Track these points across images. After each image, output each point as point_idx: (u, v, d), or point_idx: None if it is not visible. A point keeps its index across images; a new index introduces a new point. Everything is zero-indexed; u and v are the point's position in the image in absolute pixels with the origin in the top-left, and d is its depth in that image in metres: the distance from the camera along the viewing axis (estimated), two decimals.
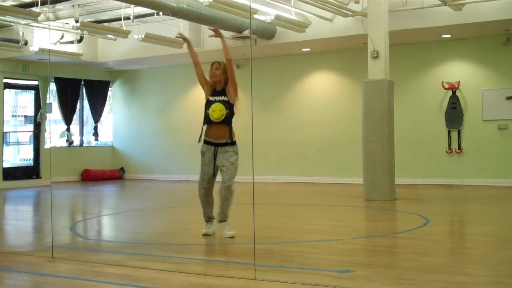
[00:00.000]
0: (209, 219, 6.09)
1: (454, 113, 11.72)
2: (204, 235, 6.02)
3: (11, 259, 5.15)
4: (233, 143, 5.88)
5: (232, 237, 5.80)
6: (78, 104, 15.26)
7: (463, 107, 11.66)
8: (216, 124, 5.82)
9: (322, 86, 13.21)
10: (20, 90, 14.39)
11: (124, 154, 15.92)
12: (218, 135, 5.84)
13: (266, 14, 10.32)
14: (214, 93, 5.94)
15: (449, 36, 11.36)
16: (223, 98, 5.86)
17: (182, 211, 8.93)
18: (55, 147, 15.03)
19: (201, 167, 5.96)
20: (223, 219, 5.90)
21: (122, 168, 15.79)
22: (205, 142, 5.92)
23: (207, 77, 6.04)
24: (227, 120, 5.83)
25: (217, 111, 5.80)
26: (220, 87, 5.94)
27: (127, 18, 11.00)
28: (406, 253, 5.24)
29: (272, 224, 6.86)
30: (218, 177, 5.97)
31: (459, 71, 11.74)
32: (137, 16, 11.00)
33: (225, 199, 5.82)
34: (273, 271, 4.45)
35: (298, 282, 4.07)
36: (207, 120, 5.86)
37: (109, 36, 12.65)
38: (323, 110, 13.07)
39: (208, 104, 5.89)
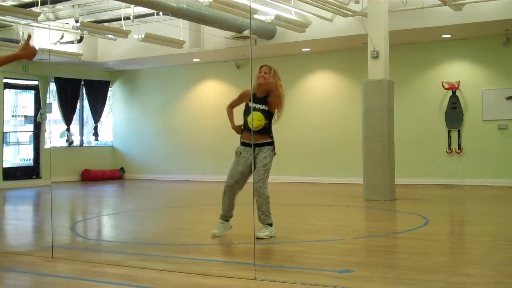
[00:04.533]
0: (224, 218, 5.97)
1: (454, 113, 11.71)
2: (212, 236, 5.91)
3: (11, 259, 5.14)
4: (269, 143, 5.83)
5: (259, 238, 5.65)
6: (78, 104, 15.26)
7: (463, 107, 11.66)
8: (254, 132, 5.71)
9: (322, 86, 13.21)
10: (20, 90, 14.39)
11: (124, 154, 15.92)
12: (256, 138, 5.75)
13: (266, 14, 10.33)
14: (255, 99, 5.81)
15: (449, 36, 11.36)
16: (263, 107, 5.77)
17: (182, 211, 8.92)
18: (55, 147, 15.02)
19: (234, 165, 5.88)
20: (262, 223, 5.78)
21: (122, 168, 15.79)
22: (243, 144, 5.90)
23: (255, 81, 5.84)
24: (265, 130, 5.78)
25: (256, 120, 5.70)
26: (262, 94, 5.82)
27: (127, 18, 11.00)
28: (406, 253, 5.24)
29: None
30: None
31: (459, 71, 11.74)
32: (137, 16, 11.00)
33: (257, 202, 5.73)
34: (273, 271, 4.45)
35: (298, 282, 4.07)
36: (246, 127, 5.82)
37: (109, 36, 12.65)
38: (323, 110, 13.07)
39: (248, 110, 5.80)
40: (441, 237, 6.20)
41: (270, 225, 5.82)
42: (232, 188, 5.90)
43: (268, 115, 5.79)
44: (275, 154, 5.91)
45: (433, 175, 11.85)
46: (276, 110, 5.83)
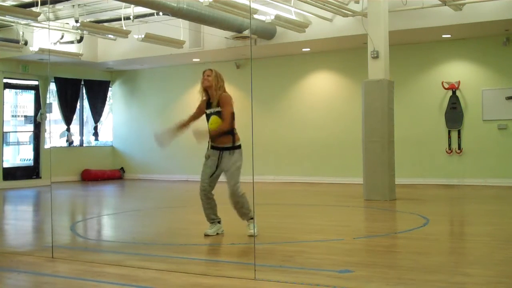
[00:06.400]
0: (212, 220, 6.09)
1: (454, 113, 11.71)
2: (205, 235, 6.01)
3: (11, 259, 5.15)
4: (237, 147, 5.95)
5: (252, 236, 5.73)
6: (78, 104, 15.26)
7: (463, 107, 11.66)
8: (216, 135, 5.90)
9: (322, 86, 13.21)
10: (20, 90, 14.39)
11: (124, 154, 15.92)
12: (221, 141, 5.92)
13: (266, 14, 10.32)
14: (209, 105, 5.99)
15: (449, 36, 11.36)
16: (217, 109, 5.91)
17: (182, 211, 8.93)
18: (55, 147, 15.02)
19: (203, 168, 6.00)
20: (246, 219, 5.96)
21: (122, 168, 15.79)
22: (211, 147, 6.00)
23: (200, 89, 6.05)
24: (226, 132, 5.89)
25: (214, 123, 5.89)
26: (213, 98, 5.95)
27: (127, 18, 11.00)
28: (406, 253, 5.24)
29: (272, 224, 6.86)
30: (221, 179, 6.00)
31: (459, 71, 11.74)
32: (137, 16, 11.00)
33: (236, 203, 5.86)
34: (273, 271, 4.45)
35: (298, 282, 4.07)
36: (209, 132, 5.95)
37: (109, 36, 12.65)
38: (323, 110, 13.06)
39: (207, 117, 6.00)
40: (441, 237, 6.20)
41: (252, 218, 5.92)
42: (207, 192, 6.00)
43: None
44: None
45: (433, 175, 11.85)
46: (226, 112, 5.86)
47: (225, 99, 5.90)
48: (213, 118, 5.91)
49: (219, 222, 6.12)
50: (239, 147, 5.96)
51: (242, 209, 5.90)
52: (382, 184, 9.12)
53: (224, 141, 5.92)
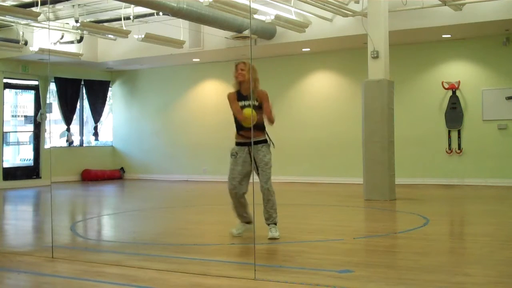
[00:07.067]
0: (244, 218, 5.92)
1: (454, 113, 11.72)
2: (235, 236, 5.89)
3: (11, 259, 5.15)
4: (264, 141, 5.82)
5: (273, 238, 5.66)
6: (78, 104, 15.25)
7: (463, 107, 11.66)
8: (249, 129, 5.64)
9: (322, 86, 13.21)
10: (20, 90, 14.39)
11: (124, 154, 15.92)
12: (249, 136, 5.66)
13: (266, 14, 10.32)
14: (241, 97, 5.82)
15: (449, 36, 11.36)
16: (254, 103, 5.74)
17: (182, 211, 8.92)
18: (55, 147, 15.02)
19: (232, 167, 5.81)
20: (272, 222, 5.75)
21: (122, 168, 15.78)
22: (237, 144, 5.85)
23: (234, 82, 5.92)
24: (259, 125, 5.72)
25: (250, 116, 5.63)
26: (246, 91, 5.81)
27: (127, 18, 11.00)
28: (406, 253, 5.24)
29: None
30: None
31: (459, 71, 11.74)
32: (137, 16, 11.00)
33: (268, 201, 5.70)
34: (273, 271, 4.45)
35: (298, 282, 4.07)
36: (240, 127, 5.79)
37: (109, 36, 12.64)
38: (323, 110, 13.06)
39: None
40: (441, 237, 6.20)
41: (276, 224, 5.80)
42: (238, 190, 5.79)
43: (259, 110, 5.76)
44: (273, 146, 5.89)
45: (433, 175, 11.85)
46: (265, 104, 5.78)
47: (265, 95, 5.82)
48: (248, 110, 5.65)
49: (247, 223, 5.92)
50: (266, 141, 5.81)
51: (271, 210, 5.71)
52: (382, 184, 9.12)
53: (254, 135, 5.66)
